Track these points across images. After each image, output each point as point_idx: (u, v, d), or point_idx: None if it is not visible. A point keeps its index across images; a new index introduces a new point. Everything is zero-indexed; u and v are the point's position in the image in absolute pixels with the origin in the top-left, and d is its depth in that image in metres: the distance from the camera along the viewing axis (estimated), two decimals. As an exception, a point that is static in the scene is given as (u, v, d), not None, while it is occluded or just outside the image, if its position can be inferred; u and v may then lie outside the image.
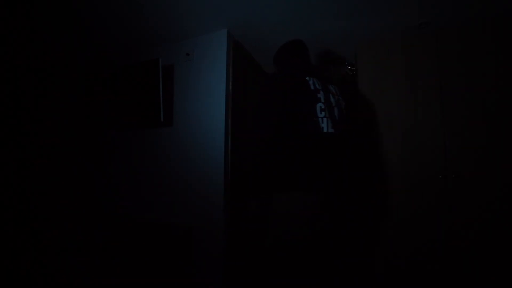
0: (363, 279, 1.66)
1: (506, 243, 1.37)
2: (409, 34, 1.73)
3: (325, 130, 1.12)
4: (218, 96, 1.71)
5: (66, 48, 2.00)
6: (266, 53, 2.10)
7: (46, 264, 1.91)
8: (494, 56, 1.49)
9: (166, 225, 1.69)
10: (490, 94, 1.48)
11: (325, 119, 1.13)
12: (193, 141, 1.75)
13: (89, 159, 2.14)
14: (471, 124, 1.50)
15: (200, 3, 1.47)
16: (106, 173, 2.05)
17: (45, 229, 2.02)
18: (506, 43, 1.48)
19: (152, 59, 1.79)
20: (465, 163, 1.49)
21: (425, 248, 1.53)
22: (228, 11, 1.54)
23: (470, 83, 1.53)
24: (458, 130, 1.53)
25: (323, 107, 1.14)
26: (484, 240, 1.42)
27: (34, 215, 1.99)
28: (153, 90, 1.77)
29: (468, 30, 1.56)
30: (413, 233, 1.56)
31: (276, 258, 1.12)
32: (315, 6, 1.49)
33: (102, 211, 2.02)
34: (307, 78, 1.16)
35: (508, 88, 1.45)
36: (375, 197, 1.66)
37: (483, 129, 1.48)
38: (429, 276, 1.50)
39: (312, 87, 1.15)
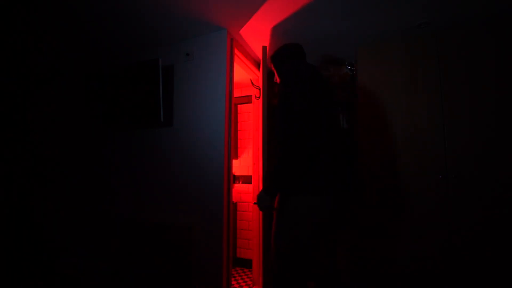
0: (365, 279, 1.66)
1: (507, 243, 1.37)
2: (409, 34, 1.73)
3: (341, 125, 1.10)
4: (218, 96, 1.71)
5: (65, 48, 2.00)
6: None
7: (45, 264, 1.91)
8: (494, 56, 1.49)
9: (166, 225, 1.69)
10: (490, 94, 1.48)
11: (340, 115, 1.12)
12: (193, 141, 1.75)
13: (89, 159, 2.14)
14: (471, 124, 1.50)
15: (200, 3, 1.47)
16: (106, 173, 2.05)
17: (45, 229, 2.02)
18: (506, 43, 1.47)
19: (152, 59, 1.79)
20: (465, 163, 1.49)
21: (425, 248, 1.52)
22: (228, 11, 1.54)
23: (470, 83, 1.53)
24: (458, 130, 1.53)
25: (338, 102, 1.13)
26: (485, 240, 1.41)
27: (33, 215, 1.99)
28: (153, 90, 1.77)
29: (468, 30, 1.56)
30: (413, 233, 1.56)
31: (285, 259, 1.09)
32: (315, 6, 1.49)
33: (102, 211, 2.02)
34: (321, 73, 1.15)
35: (508, 88, 1.45)
36: (374, 197, 1.66)
37: (483, 129, 1.47)
38: (430, 276, 1.50)
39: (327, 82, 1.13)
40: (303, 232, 1.06)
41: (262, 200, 1.11)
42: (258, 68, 2.26)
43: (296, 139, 0.99)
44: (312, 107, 1.02)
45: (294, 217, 1.07)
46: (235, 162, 2.90)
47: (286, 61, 1.32)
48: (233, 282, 2.36)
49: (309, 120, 1.00)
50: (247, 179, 2.80)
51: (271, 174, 1.08)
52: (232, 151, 1.73)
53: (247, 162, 2.84)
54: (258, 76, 2.25)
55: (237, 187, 2.86)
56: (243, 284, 2.34)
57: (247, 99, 2.87)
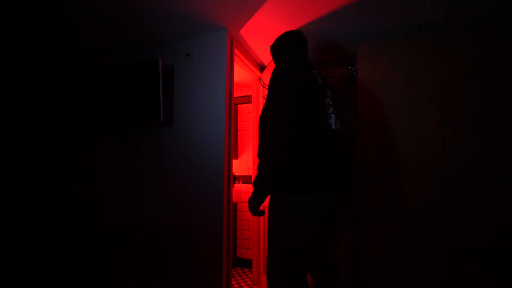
0: (365, 279, 1.66)
1: (508, 243, 1.37)
2: (409, 33, 1.73)
3: (333, 127, 1.09)
4: (218, 96, 1.71)
5: (65, 48, 2.00)
6: (266, 52, 2.11)
7: (45, 264, 1.91)
8: (494, 56, 1.49)
9: (166, 225, 1.69)
10: (490, 93, 1.48)
11: (332, 115, 1.10)
12: (193, 141, 1.75)
13: (89, 160, 2.14)
14: (472, 124, 1.50)
15: (200, 3, 1.47)
16: (105, 174, 2.05)
17: (44, 229, 2.02)
18: (507, 43, 1.47)
19: (152, 59, 1.79)
20: (465, 163, 1.49)
21: (425, 247, 1.52)
22: (228, 11, 1.54)
23: (471, 82, 1.53)
24: (458, 129, 1.53)
25: (330, 102, 1.11)
26: (485, 240, 1.41)
27: (33, 217, 1.99)
28: (153, 90, 1.77)
29: (469, 29, 1.56)
30: (413, 232, 1.56)
31: (280, 260, 1.08)
32: (315, 5, 1.49)
33: (101, 211, 2.02)
34: (315, 71, 1.13)
35: (508, 88, 1.45)
36: (374, 197, 1.66)
37: (484, 129, 1.47)
38: (430, 276, 1.50)
39: (320, 81, 1.12)
40: (297, 232, 1.05)
41: (252, 206, 1.09)
42: (259, 68, 2.26)
43: (278, 143, 0.97)
44: (296, 111, 1.00)
45: (287, 217, 1.06)
46: (235, 162, 2.90)
47: (280, 58, 1.29)
48: (233, 282, 2.36)
49: (293, 123, 0.99)
50: (247, 179, 2.80)
51: (256, 179, 1.05)
52: (232, 151, 1.73)
53: (247, 162, 2.84)
54: (258, 76, 2.25)
55: (237, 187, 2.86)
56: (243, 284, 2.34)
57: (247, 99, 2.87)
